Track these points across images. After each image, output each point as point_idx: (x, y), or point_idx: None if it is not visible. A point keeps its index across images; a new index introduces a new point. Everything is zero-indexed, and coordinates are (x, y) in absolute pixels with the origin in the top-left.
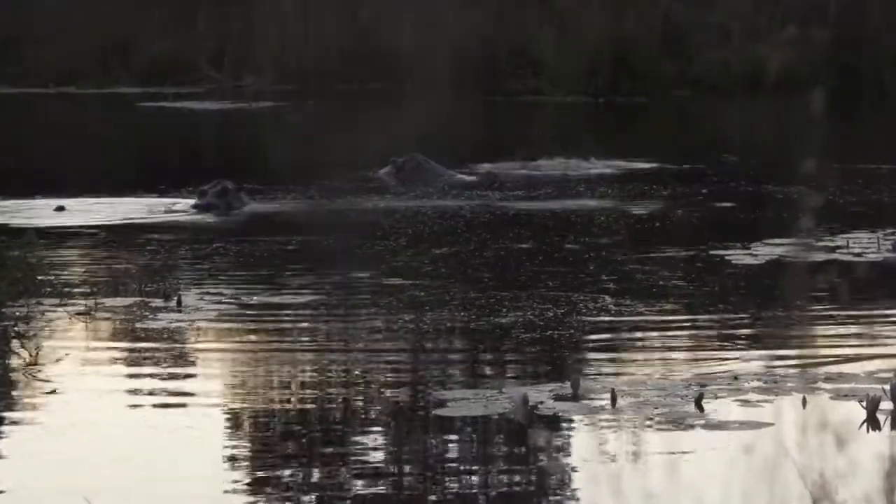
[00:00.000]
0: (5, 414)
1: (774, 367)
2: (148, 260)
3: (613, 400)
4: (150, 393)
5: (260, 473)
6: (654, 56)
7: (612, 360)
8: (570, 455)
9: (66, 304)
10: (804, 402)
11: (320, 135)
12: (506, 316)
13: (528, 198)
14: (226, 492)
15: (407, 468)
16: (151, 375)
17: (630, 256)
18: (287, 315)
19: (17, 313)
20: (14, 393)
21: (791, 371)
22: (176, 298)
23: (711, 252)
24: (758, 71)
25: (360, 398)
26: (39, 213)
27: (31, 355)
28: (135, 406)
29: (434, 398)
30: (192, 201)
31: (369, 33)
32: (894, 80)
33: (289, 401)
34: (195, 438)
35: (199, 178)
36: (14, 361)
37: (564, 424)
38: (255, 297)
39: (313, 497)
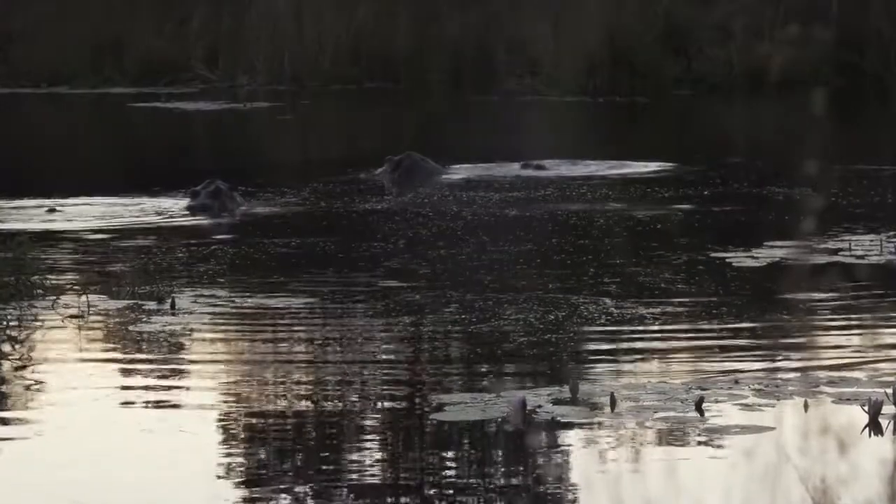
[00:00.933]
0: None
1: (775, 370)
2: (141, 262)
3: (613, 404)
4: (143, 396)
5: (254, 478)
6: (655, 55)
7: (611, 364)
8: (568, 460)
9: (58, 307)
10: (806, 406)
11: (315, 135)
12: (504, 319)
13: (526, 199)
14: (220, 495)
15: (403, 473)
16: (144, 378)
17: (630, 259)
18: (282, 318)
19: (9, 316)
20: (5, 396)
21: (792, 375)
22: (169, 301)
23: (712, 254)
24: (760, 70)
25: (357, 401)
26: (31, 214)
27: (22, 358)
28: (127, 409)
29: (431, 402)
30: (184, 202)
31: (365, 33)
32: None
33: (284, 404)
34: (188, 442)
35: (193, 179)
36: (5, 364)
37: (563, 429)
38: (249, 300)
39: (309, 500)
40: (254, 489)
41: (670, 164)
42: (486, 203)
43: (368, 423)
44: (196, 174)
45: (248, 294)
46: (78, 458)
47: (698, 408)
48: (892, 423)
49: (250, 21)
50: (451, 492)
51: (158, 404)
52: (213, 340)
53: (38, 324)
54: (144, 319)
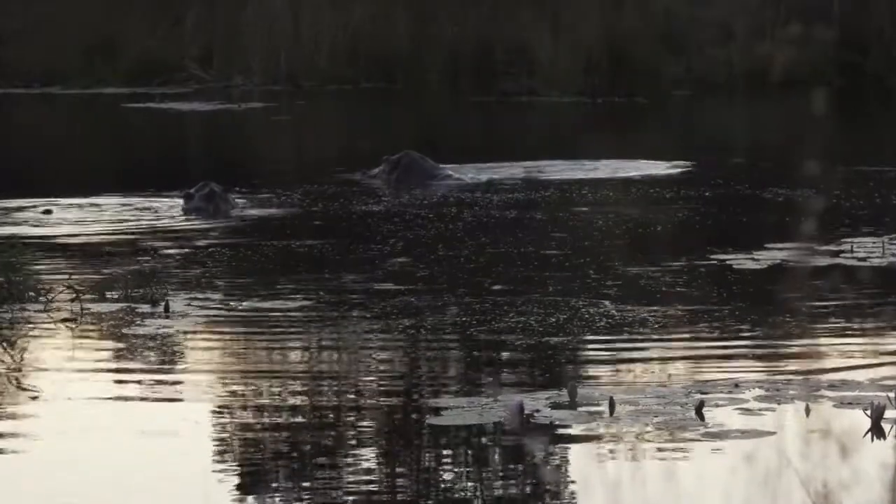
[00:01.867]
0: None
1: (776, 374)
2: (135, 264)
3: (612, 408)
4: (137, 400)
5: (249, 483)
6: (654, 55)
7: (610, 367)
8: (566, 464)
9: (51, 310)
10: (807, 411)
11: (311, 136)
12: (501, 321)
13: (524, 200)
14: (215, 500)
15: (399, 478)
16: (138, 382)
17: (629, 261)
18: (277, 321)
19: (1, 319)
20: None
21: (793, 378)
22: (163, 304)
23: (712, 256)
24: (760, 70)
25: (353, 405)
26: (25, 215)
27: (15, 362)
28: (120, 414)
29: (428, 406)
30: (179, 204)
31: (362, 33)
32: None
33: (279, 409)
34: (183, 446)
35: (187, 180)
36: None
37: (561, 433)
38: (244, 303)
39: None
40: (249, 493)
41: (670, 165)
42: (485, 204)
43: (364, 426)
44: (190, 175)
45: (242, 297)
46: (71, 463)
47: (698, 412)
48: (894, 427)
49: (246, 20)
50: (448, 497)
51: (152, 408)
52: (207, 344)
53: (31, 327)
54: (138, 323)
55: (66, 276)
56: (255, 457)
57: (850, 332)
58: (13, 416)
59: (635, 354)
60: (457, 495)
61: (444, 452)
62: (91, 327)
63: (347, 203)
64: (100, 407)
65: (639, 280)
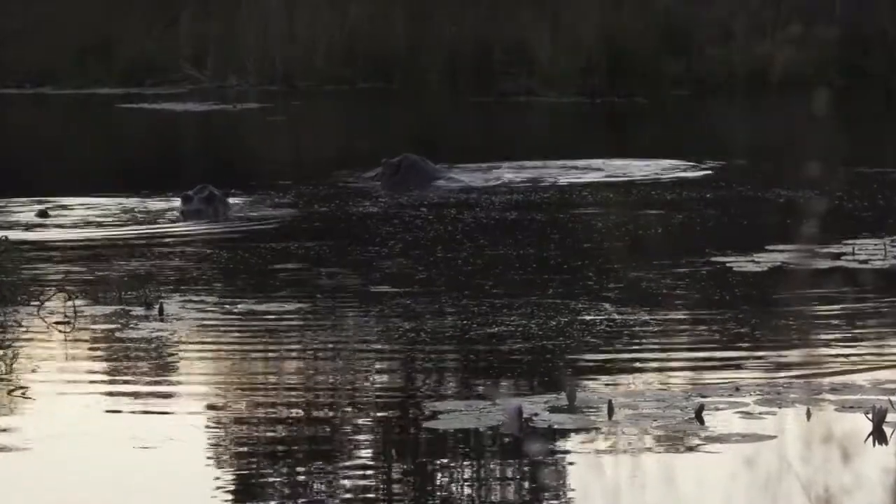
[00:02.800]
0: None
1: (777, 377)
2: (129, 266)
3: (610, 412)
4: (130, 404)
5: (244, 488)
6: (654, 54)
7: (609, 371)
8: (565, 469)
9: (43, 312)
10: (808, 415)
11: (307, 137)
12: (500, 324)
13: (523, 201)
14: None
15: (397, 482)
16: (132, 386)
17: (629, 263)
18: (273, 324)
19: None
20: None
21: (794, 382)
22: (157, 307)
23: (712, 259)
24: (761, 71)
25: (349, 408)
26: (18, 217)
27: (6, 365)
28: (114, 417)
29: (425, 410)
30: (175, 205)
31: (359, 32)
32: None
33: (275, 412)
34: (177, 451)
35: (182, 182)
36: None
37: (560, 437)
38: (239, 306)
39: None
40: (244, 498)
41: (670, 166)
42: (484, 206)
43: (361, 430)
44: (185, 177)
45: (238, 300)
46: (63, 467)
47: (698, 416)
48: None
49: (241, 20)
50: (445, 502)
51: (145, 412)
52: (201, 347)
53: (23, 330)
54: (132, 326)
55: (60, 278)
56: (251, 460)
57: (851, 335)
58: (4, 420)
59: (634, 356)
60: (454, 500)
61: (442, 456)
62: (84, 330)
63: (345, 205)
64: (92, 411)
65: (638, 282)
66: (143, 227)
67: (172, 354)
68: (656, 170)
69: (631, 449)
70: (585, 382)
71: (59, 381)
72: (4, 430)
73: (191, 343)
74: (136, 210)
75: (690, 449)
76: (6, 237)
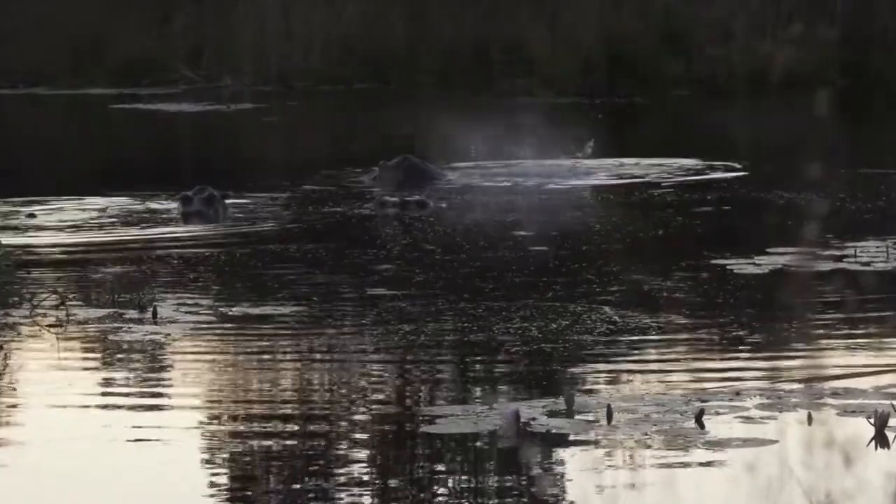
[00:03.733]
0: None
1: (778, 382)
2: (123, 269)
3: (609, 416)
4: (124, 408)
5: (239, 493)
6: (654, 55)
7: (608, 375)
8: (563, 474)
9: (36, 316)
10: (809, 419)
11: (303, 137)
12: (498, 327)
13: (522, 203)
14: None
15: (393, 487)
16: (125, 390)
17: (629, 266)
18: (268, 328)
19: None
20: None
21: (796, 386)
22: (151, 310)
23: (713, 261)
24: (762, 71)
25: (345, 413)
26: (10, 219)
27: None
28: (108, 422)
29: (422, 414)
30: (172, 206)
31: (355, 32)
32: None
33: (270, 416)
34: (170, 454)
35: (178, 183)
36: None
37: (558, 442)
38: (234, 309)
39: None
40: (239, 501)
41: (670, 167)
42: (483, 207)
43: (357, 434)
44: (181, 177)
45: (232, 303)
46: (56, 472)
47: (698, 420)
48: None
49: (236, 19)
50: None
51: (139, 416)
52: (195, 350)
53: (15, 333)
54: (125, 329)
55: (53, 281)
56: (246, 465)
57: (853, 339)
58: None
59: (633, 361)
60: None
61: (439, 461)
62: (77, 334)
63: (342, 206)
64: (85, 414)
65: (638, 285)
66: (137, 228)
67: (165, 358)
68: (656, 170)
69: (630, 454)
70: (584, 386)
71: (52, 384)
72: None
73: (184, 346)
74: (133, 211)
75: (690, 454)
76: None
